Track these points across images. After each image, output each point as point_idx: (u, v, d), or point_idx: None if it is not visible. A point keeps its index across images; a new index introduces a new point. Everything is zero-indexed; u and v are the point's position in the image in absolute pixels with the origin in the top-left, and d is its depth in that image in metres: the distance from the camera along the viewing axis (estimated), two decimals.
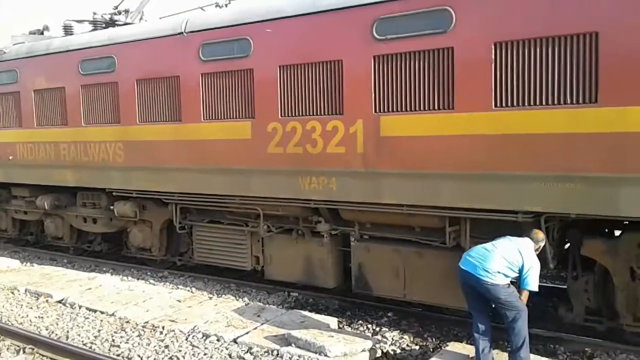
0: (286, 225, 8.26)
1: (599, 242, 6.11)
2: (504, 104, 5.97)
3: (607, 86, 5.40)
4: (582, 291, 6.39)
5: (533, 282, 5.39)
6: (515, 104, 5.91)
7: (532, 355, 5.73)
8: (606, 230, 6.39)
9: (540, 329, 6.71)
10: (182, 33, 8.50)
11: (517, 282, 5.57)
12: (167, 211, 9.46)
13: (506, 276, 5.43)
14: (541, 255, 5.82)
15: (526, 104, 5.85)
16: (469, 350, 5.91)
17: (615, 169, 5.43)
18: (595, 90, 5.47)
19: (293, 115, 7.52)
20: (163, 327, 7.10)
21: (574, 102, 5.60)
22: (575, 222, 6.08)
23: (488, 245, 5.64)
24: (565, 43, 5.60)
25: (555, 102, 5.69)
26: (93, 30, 10.70)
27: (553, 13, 5.63)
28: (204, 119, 8.41)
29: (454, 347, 6.20)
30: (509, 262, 5.43)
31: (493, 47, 5.95)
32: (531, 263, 5.42)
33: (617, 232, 6.26)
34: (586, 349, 6.33)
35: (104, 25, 10.82)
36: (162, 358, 6.21)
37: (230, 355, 6.22)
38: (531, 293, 5.52)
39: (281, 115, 7.61)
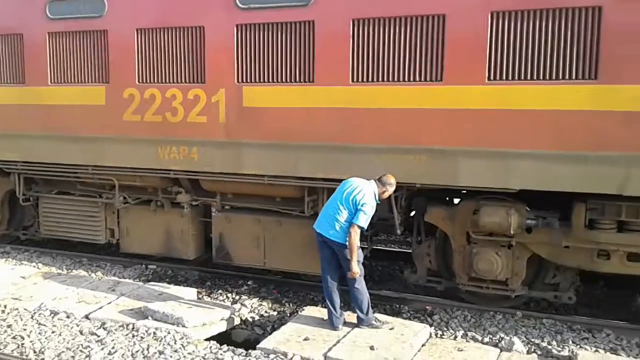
0: (144, 196, 8.01)
1: (440, 209, 6.68)
2: (360, 79, 6.26)
3: (450, 66, 5.87)
4: (425, 255, 6.97)
5: (362, 218, 5.57)
6: (369, 79, 6.22)
7: (379, 315, 6.21)
8: (447, 198, 7.02)
9: (388, 290, 7.25)
10: None
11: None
12: (8, 181, 8.69)
13: (346, 222, 5.66)
14: (385, 208, 6.18)
15: (379, 79, 6.18)
16: (323, 313, 6.20)
17: (454, 143, 5.96)
18: (442, 69, 5.92)
19: (152, 81, 7.26)
20: (5, 306, 6.63)
21: (423, 79, 6.02)
22: (420, 191, 6.58)
23: (330, 199, 5.93)
24: (417, 23, 5.97)
25: (406, 79, 6.08)
26: None
27: None
28: (51, 82, 7.80)
29: (309, 310, 6.47)
30: (346, 201, 5.67)
31: (351, 23, 6.19)
32: (365, 200, 5.61)
33: (457, 200, 6.89)
34: (427, 307, 6.91)
35: None
36: (5, 338, 5.79)
37: (81, 332, 5.97)
38: (364, 258, 5.90)
39: (139, 81, 7.31)
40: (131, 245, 8.32)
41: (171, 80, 7.16)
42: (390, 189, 5.87)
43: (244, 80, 6.79)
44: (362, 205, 5.59)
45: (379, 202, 5.83)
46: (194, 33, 6.96)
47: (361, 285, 5.83)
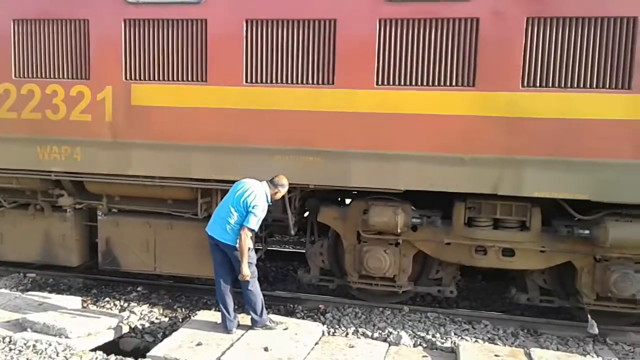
0: (21, 200, 7.49)
1: (332, 210, 6.84)
2: (254, 80, 6.26)
3: (341, 70, 6.04)
4: (318, 254, 7.12)
5: (252, 221, 5.57)
6: (263, 80, 6.24)
7: (273, 316, 6.26)
8: (339, 199, 7.20)
9: (282, 290, 7.30)
10: None
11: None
12: None
13: (237, 224, 5.65)
14: (279, 209, 6.24)
15: (273, 81, 6.22)
16: (217, 317, 6.13)
17: (345, 145, 6.13)
18: (333, 73, 6.08)
19: (30, 76, 6.82)
20: None
21: (316, 82, 6.14)
22: (313, 192, 6.70)
23: (222, 201, 5.91)
24: (310, 26, 6.07)
25: (299, 81, 6.16)
26: None
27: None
28: None
29: (202, 315, 6.38)
30: (237, 203, 5.67)
31: (245, 23, 6.18)
32: (256, 202, 5.61)
33: (348, 201, 7.09)
34: (320, 305, 7.06)
35: None
36: None
37: None
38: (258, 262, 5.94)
39: (15, 76, 6.84)
40: (7, 252, 7.73)
41: (52, 76, 6.76)
42: (283, 190, 5.91)
43: (133, 78, 6.55)
44: (252, 208, 5.59)
45: (270, 203, 5.86)
46: (78, 27, 6.61)
47: (255, 287, 5.82)
